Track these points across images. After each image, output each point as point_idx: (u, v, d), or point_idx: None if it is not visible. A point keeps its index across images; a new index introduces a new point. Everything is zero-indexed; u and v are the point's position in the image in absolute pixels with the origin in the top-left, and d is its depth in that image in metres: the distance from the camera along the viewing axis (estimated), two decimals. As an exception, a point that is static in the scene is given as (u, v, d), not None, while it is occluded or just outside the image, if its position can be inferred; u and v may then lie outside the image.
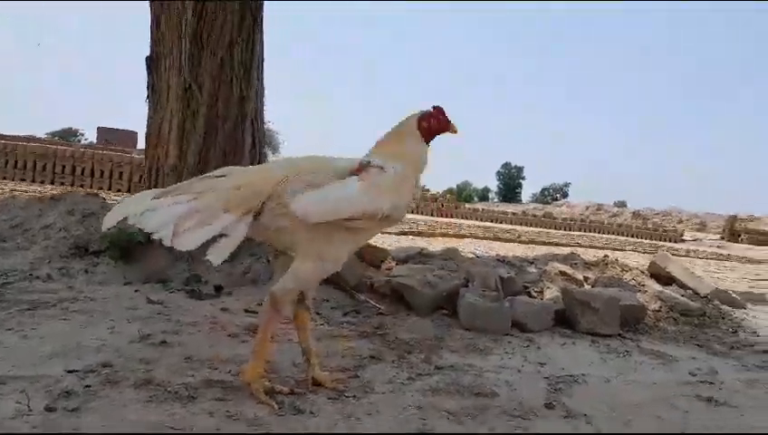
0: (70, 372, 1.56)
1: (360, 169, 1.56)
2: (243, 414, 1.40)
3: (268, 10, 3.22)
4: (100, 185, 13.07)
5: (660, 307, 3.23)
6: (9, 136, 17.99)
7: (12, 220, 3.16)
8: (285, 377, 1.70)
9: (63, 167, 13.19)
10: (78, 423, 1.27)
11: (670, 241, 21.08)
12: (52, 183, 12.61)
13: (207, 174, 1.62)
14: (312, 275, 1.56)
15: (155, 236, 1.43)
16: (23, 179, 12.43)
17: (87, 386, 1.48)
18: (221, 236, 1.45)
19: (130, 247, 2.93)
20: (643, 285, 3.53)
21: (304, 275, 1.53)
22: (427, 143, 1.74)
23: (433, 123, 1.74)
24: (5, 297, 2.27)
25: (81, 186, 12.68)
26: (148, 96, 3.16)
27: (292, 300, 1.57)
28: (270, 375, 1.67)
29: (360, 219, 1.50)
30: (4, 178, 12.37)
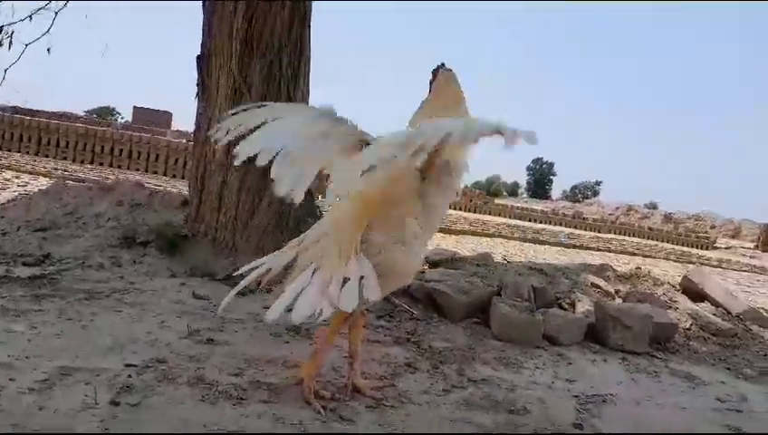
0: (128, 366, 1.67)
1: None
2: (288, 418, 1.49)
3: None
4: (137, 166, 13.38)
5: (691, 326, 3.23)
6: (48, 113, 18.49)
7: (65, 208, 3.31)
8: (326, 381, 1.78)
9: (102, 147, 13.54)
10: (140, 418, 1.38)
11: (702, 248, 20.69)
12: (92, 162, 12.96)
13: (302, 238, 1.63)
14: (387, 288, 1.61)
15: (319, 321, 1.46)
16: (64, 158, 12.80)
17: (145, 381, 1.58)
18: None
19: (175, 240, 3.05)
20: (675, 301, 3.53)
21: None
22: None
23: None
24: (62, 284, 2.41)
25: (119, 166, 13.01)
26: (197, 93, 3.26)
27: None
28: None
29: None
30: (46, 156, 12.75)
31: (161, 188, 4.37)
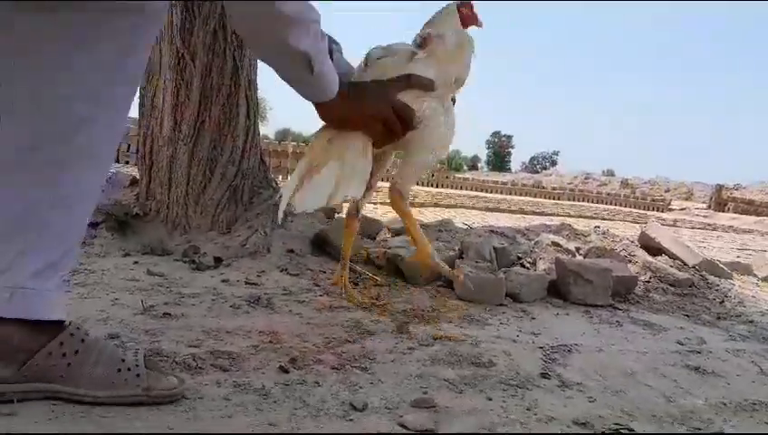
0: (77, 343, 1.59)
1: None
2: (250, 385, 1.44)
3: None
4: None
5: (650, 278, 3.30)
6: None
7: (6, 192, 3.14)
8: (289, 347, 1.73)
9: (49, 135, 13.00)
10: (90, 394, 1.30)
11: (658, 210, 21.29)
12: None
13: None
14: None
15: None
16: None
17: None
18: None
19: (126, 219, 2.93)
20: (633, 256, 3.59)
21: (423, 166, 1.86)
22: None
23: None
24: (5, 270, 2.28)
25: (69, 155, 12.54)
26: (140, 66, 3.12)
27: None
28: (272, 346, 1.71)
29: None
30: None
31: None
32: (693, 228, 12.82)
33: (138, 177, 3.25)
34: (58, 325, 1.24)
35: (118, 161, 13.18)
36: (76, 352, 1.22)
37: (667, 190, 33.61)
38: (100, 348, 1.28)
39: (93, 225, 2.95)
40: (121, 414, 1.19)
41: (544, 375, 1.73)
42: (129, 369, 1.26)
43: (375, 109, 1.53)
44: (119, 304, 1.98)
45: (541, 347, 2.00)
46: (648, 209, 21.41)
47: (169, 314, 1.92)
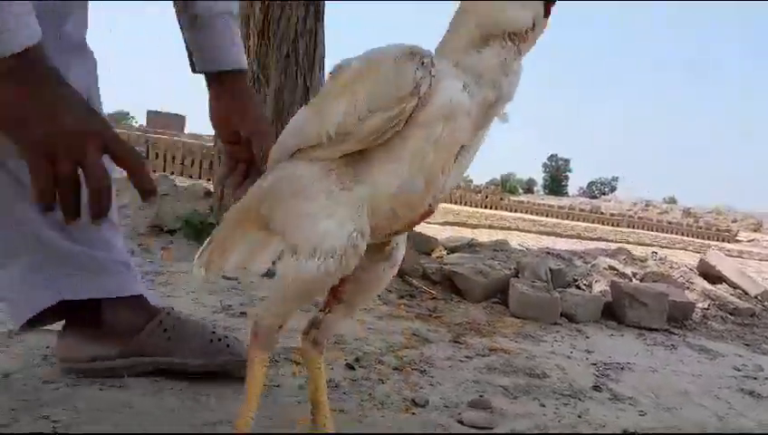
0: (167, 334, 1.77)
1: None
2: (320, 378, 1.57)
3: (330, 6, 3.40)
4: (154, 167, 13.60)
5: (708, 305, 3.27)
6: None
7: (95, 198, 3.44)
8: (353, 348, 1.86)
9: (122, 149, 13.74)
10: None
11: (723, 241, 20.48)
12: (112, 164, 13.19)
13: None
14: None
15: None
16: (85, 159, 13.05)
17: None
18: None
19: (202, 227, 3.16)
20: (692, 283, 3.57)
21: None
22: None
23: None
24: (97, 268, 2.52)
25: (139, 167, 13.21)
26: (219, 86, 3.38)
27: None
28: (338, 346, 1.84)
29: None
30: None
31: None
32: (761, 260, 12.31)
33: (213, 188, 3.48)
34: (154, 309, 1.42)
35: (182, 175, 13.79)
36: (173, 328, 1.41)
37: (734, 221, 32.23)
38: (194, 324, 1.46)
39: (171, 232, 3.20)
40: (215, 390, 1.34)
41: (596, 388, 1.80)
42: (219, 340, 1.44)
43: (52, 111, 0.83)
44: (199, 303, 2.17)
45: (594, 364, 2.06)
46: (713, 240, 20.60)
47: (245, 314, 2.09)
